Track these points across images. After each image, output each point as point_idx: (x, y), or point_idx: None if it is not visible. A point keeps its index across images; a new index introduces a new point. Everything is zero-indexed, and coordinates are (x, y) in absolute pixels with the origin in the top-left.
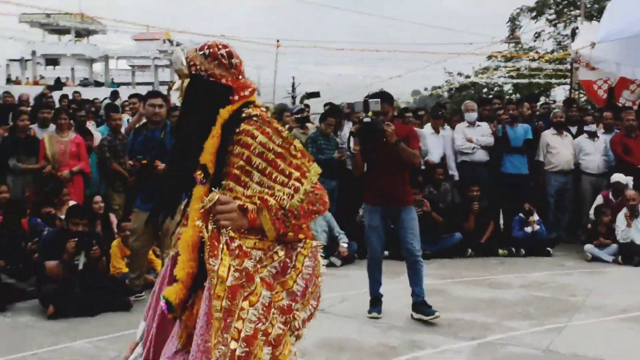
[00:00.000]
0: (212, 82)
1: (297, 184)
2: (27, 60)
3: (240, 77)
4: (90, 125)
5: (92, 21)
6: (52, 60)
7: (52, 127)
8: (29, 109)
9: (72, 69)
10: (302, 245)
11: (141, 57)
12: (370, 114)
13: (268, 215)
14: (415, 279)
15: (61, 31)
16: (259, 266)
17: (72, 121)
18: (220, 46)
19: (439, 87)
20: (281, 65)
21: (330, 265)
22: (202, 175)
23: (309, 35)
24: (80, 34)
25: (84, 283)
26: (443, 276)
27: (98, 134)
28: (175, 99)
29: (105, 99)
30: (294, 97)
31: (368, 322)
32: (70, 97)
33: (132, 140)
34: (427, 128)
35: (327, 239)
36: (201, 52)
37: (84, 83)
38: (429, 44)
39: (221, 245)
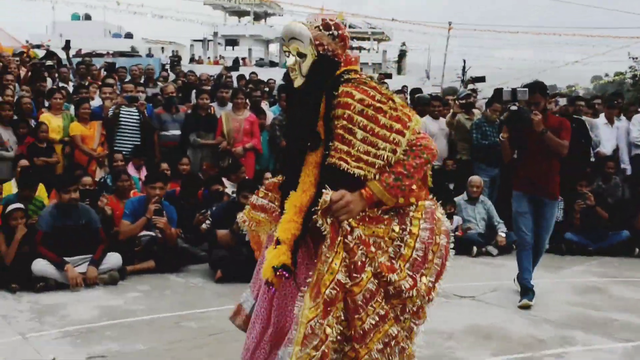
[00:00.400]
0: (338, 62)
1: (399, 137)
2: (209, 41)
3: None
4: (264, 104)
5: (270, 3)
6: (231, 41)
7: (230, 105)
8: (209, 88)
9: (250, 49)
10: (414, 208)
11: None
12: (521, 103)
13: (380, 185)
14: (533, 261)
15: (241, 13)
16: (378, 253)
17: (247, 100)
18: (343, 26)
19: (622, 74)
20: (452, 48)
21: (487, 254)
22: (313, 141)
23: (482, 19)
24: (259, 15)
25: (250, 252)
26: (604, 274)
27: (270, 113)
28: None
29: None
30: (463, 81)
31: (519, 312)
32: (248, 77)
33: None
34: (601, 118)
35: (485, 227)
36: (328, 33)
37: (260, 63)
38: (611, 27)
39: (339, 238)
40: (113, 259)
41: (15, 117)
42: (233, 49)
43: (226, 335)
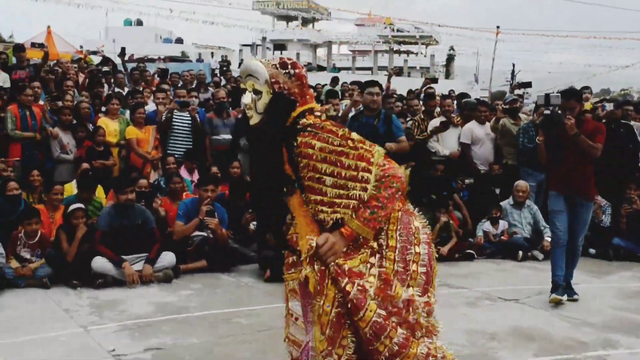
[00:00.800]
0: (294, 101)
1: (366, 175)
2: (257, 46)
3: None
4: None
5: (318, 8)
6: (279, 46)
7: None
8: None
9: (298, 53)
10: (385, 221)
11: (363, 43)
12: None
13: (358, 222)
14: (570, 262)
15: (289, 18)
16: (368, 274)
17: None
18: (301, 66)
19: None
20: (501, 52)
21: (533, 258)
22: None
23: (531, 23)
24: (307, 20)
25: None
26: None
27: None
28: (390, 85)
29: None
30: (511, 85)
31: (562, 316)
32: None
33: (349, 126)
34: None
35: (531, 232)
36: (285, 71)
37: (308, 68)
38: None
39: (326, 281)
40: (167, 258)
41: (74, 122)
42: (281, 54)
43: (274, 332)
